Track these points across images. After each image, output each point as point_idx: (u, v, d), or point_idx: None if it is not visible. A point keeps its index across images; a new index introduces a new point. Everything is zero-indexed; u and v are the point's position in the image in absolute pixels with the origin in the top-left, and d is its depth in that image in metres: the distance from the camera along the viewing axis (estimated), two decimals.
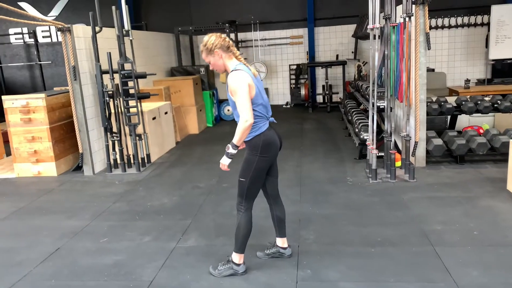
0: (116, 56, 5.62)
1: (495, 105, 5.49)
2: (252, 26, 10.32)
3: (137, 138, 5.65)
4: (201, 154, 6.35)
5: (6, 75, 10.84)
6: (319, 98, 10.47)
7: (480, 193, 4.17)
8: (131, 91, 5.53)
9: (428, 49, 4.71)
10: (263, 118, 2.76)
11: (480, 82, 9.38)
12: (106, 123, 5.47)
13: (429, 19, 4.73)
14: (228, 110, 9.04)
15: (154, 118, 6.18)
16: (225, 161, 2.75)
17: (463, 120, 6.31)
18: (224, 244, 3.38)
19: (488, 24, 9.14)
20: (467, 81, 7.94)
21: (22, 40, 10.68)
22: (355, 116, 6.39)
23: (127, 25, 5.81)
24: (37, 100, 5.49)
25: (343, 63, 9.53)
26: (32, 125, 5.54)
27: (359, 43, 10.07)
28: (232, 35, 9.70)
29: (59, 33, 5.32)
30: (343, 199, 4.26)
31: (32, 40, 10.57)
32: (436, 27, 9.62)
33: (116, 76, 5.48)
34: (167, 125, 6.76)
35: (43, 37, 10.66)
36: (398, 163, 4.96)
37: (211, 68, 2.84)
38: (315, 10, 10.27)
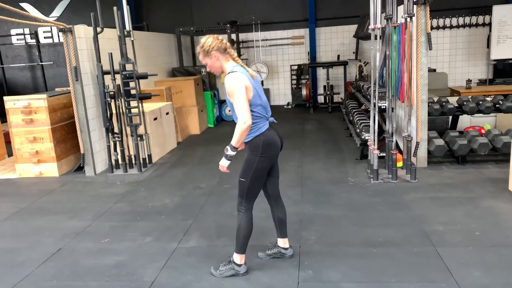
0: (117, 57, 5.62)
1: (497, 106, 5.48)
2: (253, 26, 10.32)
3: (139, 138, 5.66)
4: (202, 155, 6.35)
5: (8, 75, 10.87)
6: (321, 99, 10.46)
7: (481, 194, 4.16)
8: (133, 91, 5.53)
9: (430, 49, 4.71)
10: (263, 119, 2.76)
11: (481, 82, 9.36)
12: (108, 124, 5.48)
13: (430, 19, 4.72)
14: (230, 111, 9.03)
15: (155, 119, 6.19)
16: (224, 163, 2.76)
17: (464, 121, 6.30)
18: (225, 245, 3.38)
19: (490, 24, 9.12)
20: (469, 81, 7.93)
21: (24, 41, 10.71)
22: (356, 116, 6.38)
23: (128, 25, 5.82)
24: (39, 101, 5.50)
25: (345, 64, 9.52)
26: (33, 126, 5.55)
27: (360, 43, 10.06)
28: (233, 36, 9.71)
29: (60, 33, 5.34)
30: (345, 199, 4.25)
31: (34, 40, 10.60)
32: (438, 27, 9.61)
33: (118, 76, 5.49)
34: (169, 125, 6.76)
35: (44, 37, 10.69)
36: (400, 164, 4.95)
37: (208, 69, 2.84)
38: (316, 11, 10.27)
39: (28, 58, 10.90)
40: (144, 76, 5.74)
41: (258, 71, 9.98)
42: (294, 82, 10.65)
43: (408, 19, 4.56)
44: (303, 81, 10.52)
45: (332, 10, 10.20)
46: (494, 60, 9.20)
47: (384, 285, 2.74)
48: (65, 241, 3.67)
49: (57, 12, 10.83)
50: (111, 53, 5.38)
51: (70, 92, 5.62)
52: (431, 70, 8.95)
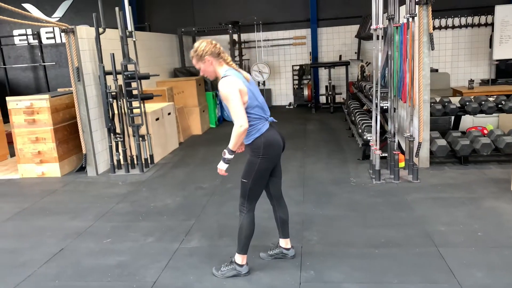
0: (119, 57, 5.63)
1: (499, 106, 5.47)
2: (255, 26, 10.32)
3: (141, 139, 5.66)
4: (204, 155, 6.36)
5: (10, 76, 10.90)
6: (322, 99, 10.46)
7: (484, 194, 4.15)
8: (135, 92, 5.54)
9: (432, 49, 4.70)
10: (261, 120, 2.75)
11: (484, 82, 9.34)
12: (110, 124, 5.48)
13: (432, 19, 4.71)
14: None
15: (157, 119, 6.19)
16: (222, 166, 2.76)
17: (467, 121, 6.29)
18: (227, 245, 3.38)
19: (492, 24, 9.10)
20: (471, 81, 7.91)
21: (26, 42, 10.74)
22: (358, 116, 6.38)
23: (130, 26, 5.83)
24: (41, 101, 5.51)
25: (346, 64, 9.52)
26: (36, 126, 5.56)
27: (362, 43, 10.05)
28: (235, 36, 9.71)
29: (62, 34, 5.34)
30: (347, 200, 4.25)
31: (36, 41, 10.63)
32: (440, 28, 9.59)
33: (120, 77, 5.50)
34: (170, 126, 6.77)
35: (47, 38, 10.71)
36: (402, 164, 4.94)
37: (201, 74, 2.83)
38: (318, 11, 10.26)
39: (31, 59, 10.93)
40: (146, 77, 5.75)
41: (260, 72, 9.98)
42: (296, 82, 10.64)
43: (410, 19, 4.56)
44: (305, 82, 10.51)
45: (334, 10, 10.20)
46: (497, 60, 9.18)
47: (386, 286, 2.74)
48: (67, 241, 3.68)
49: (59, 12, 10.86)
50: (113, 54, 5.38)
51: (72, 93, 5.63)
52: (433, 70, 8.93)
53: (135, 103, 5.55)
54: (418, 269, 2.89)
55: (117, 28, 5.56)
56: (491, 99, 5.65)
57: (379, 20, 4.54)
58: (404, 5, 4.74)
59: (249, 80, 2.76)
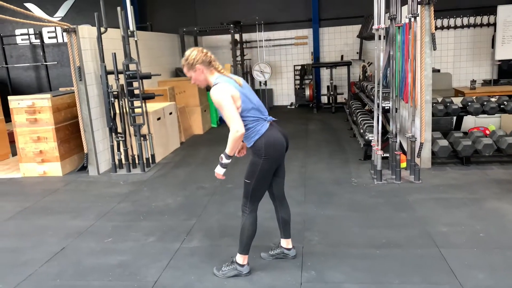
0: (121, 57, 5.63)
1: (502, 106, 5.45)
2: (257, 26, 10.31)
3: (142, 138, 5.66)
4: (205, 155, 6.36)
5: (13, 75, 10.92)
6: (324, 99, 10.44)
7: (486, 195, 4.14)
8: (136, 91, 5.54)
9: (434, 49, 4.69)
10: (259, 121, 2.74)
11: (486, 82, 9.32)
12: (111, 124, 5.49)
13: (434, 19, 4.70)
14: None
15: (158, 119, 6.20)
16: (219, 171, 2.77)
17: (469, 121, 6.27)
18: (228, 245, 3.38)
19: (494, 24, 9.08)
20: (473, 81, 7.89)
21: (28, 41, 10.76)
22: (360, 116, 6.37)
23: (132, 26, 5.83)
24: (43, 101, 5.52)
25: (348, 64, 9.50)
26: (37, 125, 5.57)
27: (364, 43, 10.04)
28: (237, 36, 9.70)
29: (64, 34, 5.36)
30: (348, 200, 4.24)
31: (38, 41, 10.64)
32: (442, 28, 9.57)
33: (121, 76, 5.50)
34: (172, 125, 6.77)
35: (49, 38, 10.72)
36: (403, 164, 4.93)
37: (192, 82, 2.83)
38: (320, 11, 10.25)
39: (33, 58, 10.94)
40: (148, 76, 5.75)
41: (261, 71, 9.98)
42: (298, 82, 10.64)
43: (412, 19, 4.55)
44: (307, 81, 10.51)
45: (336, 10, 10.18)
46: (499, 61, 9.15)
47: (387, 286, 2.73)
48: (68, 240, 3.68)
49: (61, 12, 10.88)
50: (115, 53, 5.39)
51: (74, 92, 5.63)
52: (435, 71, 8.90)
53: (137, 103, 5.55)
54: (419, 270, 2.89)
55: (118, 27, 5.56)
56: (493, 99, 5.63)
57: (381, 20, 4.53)
58: (406, 5, 4.73)
59: (241, 85, 2.74)
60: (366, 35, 8.50)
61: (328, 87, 9.98)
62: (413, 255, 3.08)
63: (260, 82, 10.29)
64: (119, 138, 5.59)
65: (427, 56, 4.68)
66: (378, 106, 4.70)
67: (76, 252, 3.47)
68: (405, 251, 3.15)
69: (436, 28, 9.15)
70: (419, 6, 4.54)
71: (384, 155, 4.83)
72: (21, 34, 10.74)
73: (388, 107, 5.10)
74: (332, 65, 9.63)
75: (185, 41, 9.48)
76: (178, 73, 8.94)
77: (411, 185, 4.56)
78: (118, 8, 5.45)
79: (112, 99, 5.46)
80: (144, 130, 5.75)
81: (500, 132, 5.19)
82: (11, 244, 3.70)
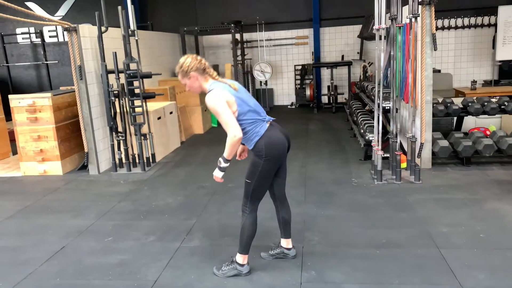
0: (121, 56, 5.64)
1: (502, 107, 5.45)
2: (258, 26, 10.31)
3: (142, 137, 5.66)
4: (206, 154, 6.36)
5: (13, 74, 10.92)
6: (324, 99, 10.44)
7: (486, 195, 4.14)
8: (137, 90, 5.54)
9: (435, 50, 4.68)
10: (258, 122, 2.73)
11: (486, 83, 9.32)
12: (112, 123, 5.49)
13: (435, 19, 4.70)
14: None
15: (159, 118, 6.20)
16: (218, 174, 2.77)
17: (469, 122, 6.27)
18: (228, 245, 3.38)
19: (495, 25, 9.08)
20: (474, 82, 7.89)
21: (29, 40, 10.76)
22: (360, 117, 6.37)
23: (133, 25, 5.83)
24: (43, 100, 5.52)
25: (349, 64, 9.50)
26: (38, 124, 5.57)
27: (365, 43, 10.03)
28: (238, 35, 9.70)
29: (65, 33, 5.35)
30: (348, 200, 4.24)
31: (39, 39, 10.65)
32: (443, 28, 9.57)
33: (122, 75, 5.50)
34: (172, 125, 6.77)
35: (49, 36, 10.72)
36: (404, 165, 4.93)
37: (187, 89, 2.83)
38: (321, 11, 10.25)
39: (33, 57, 10.94)
40: (148, 75, 5.75)
41: (262, 71, 9.98)
42: (298, 82, 10.63)
43: (413, 20, 4.55)
44: (307, 81, 10.50)
45: (337, 10, 10.18)
46: (500, 61, 9.15)
47: (387, 287, 2.73)
48: (68, 239, 3.69)
49: (62, 11, 10.88)
50: (116, 52, 5.39)
51: (74, 91, 5.64)
52: (436, 71, 8.91)
53: (137, 102, 5.55)
54: (419, 270, 2.89)
55: (119, 27, 5.56)
56: (493, 100, 5.63)
57: (381, 20, 4.53)
58: (407, 5, 4.73)
59: (237, 89, 2.73)
60: (366, 35, 8.50)
61: (328, 87, 9.98)
62: (413, 256, 3.08)
63: (260, 82, 10.29)
64: (120, 137, 5.59)
65: (427, 56, 4.68)
66: (378, 106, 4.70)
67: (76, 251, 3.47)
68: (405, 251, 3.15)
69: (437, 28, 9.15)
70: (419, 6, 4.53)
71: (385, 155, 4.83)
72: (22, 33, 10.74)
73: (388, 107, 5.10)
74: (332, 65, 9.63)
75: (186, 41, 9.48)
76: None
77: (412, 185, 4.56)
78: (119, 7, 5.45)
79: (113, 98, 5.46)
80: (144, 129, 5.75)
81: (501, 132, 5.19)
82: (11, 243, 3.70)
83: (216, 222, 3.86)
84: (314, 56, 10.39)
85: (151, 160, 5.86)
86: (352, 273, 2.89)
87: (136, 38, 5.90)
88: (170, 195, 4.67)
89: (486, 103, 5.44)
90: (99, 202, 4.57)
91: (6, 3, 4.11)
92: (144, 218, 4.07)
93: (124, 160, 5.70)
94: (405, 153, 5.08)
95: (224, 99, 2.63)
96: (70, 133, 5.88)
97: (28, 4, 10.67)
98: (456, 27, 9.60)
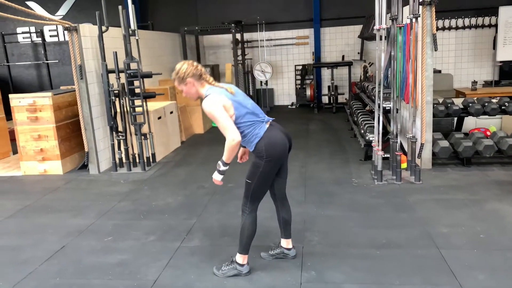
0: (122, 56, 5.64)
1: (503, 107, 5.45)
2: (258, 26, 10.31)
3: (143, 137, 5.66)
4: (206, 154, 6.36)
5: (14, 73, 10.93)
6: (325, 99, 10.44)
7: (487, 196, 4.14)
8: (137, 90, 5.54)
9: (435, 50, 4.68)
10: (256, 123, 2.74)
11: (487, 83, 9.31)
12: (112, 122, 5.49)
13: (436, 20, 4.70)
14: None
15: (159, 118, 6.20)
16: (217, 177, 2.78)
17: (469, 122, 6.27)
18: (228, 244, 3.38)
19: (496, 25, 9.08)
20: (474, 82, 7.89)
21: (29, 39, 10.76)
22: (360, 117, 6.36)
23: (133, 24, 5.83)
24: (44, 99, 5.52)
25: (349, 64, 9.50)
26: (38, 124, 5.57)
27: (365, 44, 10.03)
28: (238, 35, 9.70)
29: (66, 32, 5.35)
30: (348, 200, 4.24)
31: (40, 39, 10.65)
32: (443, 28, 9.57)
33: (122, 75, 5.50)
34: (173, 124, 6.77)
35: (50, 36, 10.73)
36: (404, 165, 4.93)
37: (183, 95, 2.83)
38: (321, 11, 10.24)
39: (34, 56, 10.95)
40: (149, 75, 5.75)
41: (262, 71, 9.98)
42: (299, 82, 10.63)
43: (414, 20, 4.54)
44: (308, 81, 10.50)
45: (337, 10, 10.18)
46: (500, 62, 9.15)
47: (387, 287, 2.73)
48: (68, 239, 3.69)
49: (62, 10, 10.88)
50: (116, 52, 5.39)
51: (74, 91, 5.64)
52: (436, 71, 8.90)
53: (138, 102, 5.55)
54: (419, 270, 2.89)
55: (120, 26, 5.56)
56: (494, 100, 5.63)
57: (382, 21, 4.52)
58: (408, 6, 4.73)
59: (233, 93, 2.74)
60: (367, 36, 8.50)
61: (329, 87, 9.98)
62: (413, 256, 3.08)
63: (261, 82, 10.29)
64: (120, 136, 5.59)
65: (428, 56, 4.67)
66: (379, 107, 4.70)
67: (76, 250, 3.47)
68: (405, 251, 3.15)
69: (438, 28, 9.16)
70: (420, 6, 4.53)
71: (385, 155, 4.82)
72: (23, 32, 10.74)
73: (389, 108, 5.10)
74: (333, 65, 9.63)
75: (186, 41, 9.48)
76: None
77: (412, 185, 4.56)
78: (120, 7, 5.45)
79: (113, 97, 5.46)
80: (144, 129, 5.75)
81: (501, 133, 5.19)
82: (11, 242, 3.70)
83: (216, 222, 3.86)
84: (314, 56, 10.39)
85: (151, 160, 5.86)
86: (352, 273, 2.89)
87: (137, 38, 5.90)
88: (170, 195, 4.67)
89: (486, 104, 5.44)
90: (99, 201, 4.57)
91: (7, 2, 4.11)
92: (144, 218, 4.07)
93: (124, 160, 5.70)
94: (405, 153, 5.08)
95: (221, 103, 2.63)
96: (71, 132, 5.88)
97: (29, 3, 10.67)
98: (457, 28, 9.60)
